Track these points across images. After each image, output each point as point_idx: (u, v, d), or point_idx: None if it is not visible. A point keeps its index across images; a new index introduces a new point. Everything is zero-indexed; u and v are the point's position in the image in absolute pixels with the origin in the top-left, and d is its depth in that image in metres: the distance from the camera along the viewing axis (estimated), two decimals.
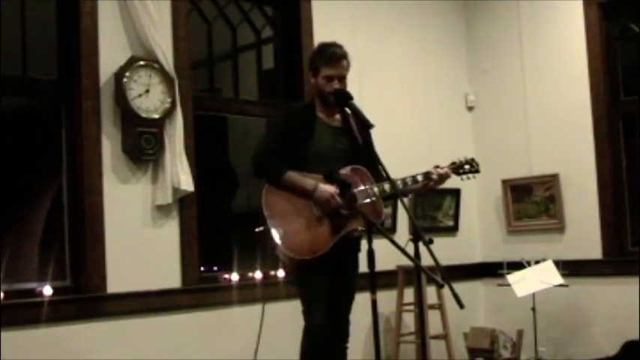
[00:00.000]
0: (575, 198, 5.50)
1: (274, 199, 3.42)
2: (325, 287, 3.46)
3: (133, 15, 4.11)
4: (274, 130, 3.70)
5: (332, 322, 3.47)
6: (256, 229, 3.41)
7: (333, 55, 3.59)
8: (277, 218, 3.39)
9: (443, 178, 3.71)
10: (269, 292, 4.50)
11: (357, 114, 3.48)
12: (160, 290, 4.14)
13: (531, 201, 5.72)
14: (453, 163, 3.81)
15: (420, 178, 3.65)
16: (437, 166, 3.73)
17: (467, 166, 3.82)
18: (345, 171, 3.53)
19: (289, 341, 3.67)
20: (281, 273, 4.59)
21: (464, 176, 3.84)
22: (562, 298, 5.32)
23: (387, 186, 3.49)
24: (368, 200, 3.50)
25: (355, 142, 3.61)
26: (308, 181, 3.45)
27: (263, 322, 3.65)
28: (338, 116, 3.68)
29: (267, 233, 3.37)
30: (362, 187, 3.51)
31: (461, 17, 6.17)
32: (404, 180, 3.59)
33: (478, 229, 6.08)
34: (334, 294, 3.50)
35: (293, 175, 3.44)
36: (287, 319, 3.90)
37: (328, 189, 3.42)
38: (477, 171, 3.84)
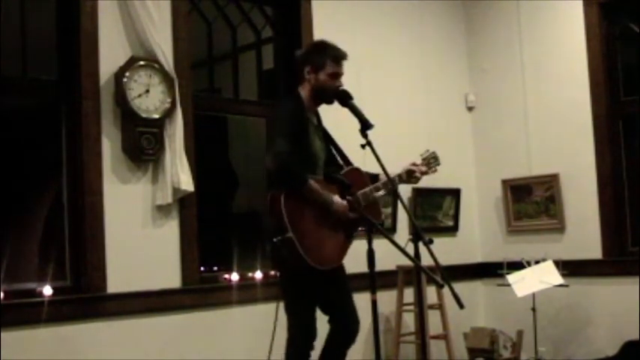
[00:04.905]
0: (575, 198, 5.49)
1: (293, 207, 3.35)
2: (316, 294, 3.53)
3: (133, 15, 4.11)
4: (285, 131, 3.47)
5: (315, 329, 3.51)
6: (275, 239, 3.32)
7: (342, 54, 3.63)
8: (300, 226, 3.34)
9: (422, 175, 3.83)
10: (269, 292, 4.50)
11: (358, 114, 3.49)
12: (160, 290, 4.14)
13: (531, 201, 5.71)
14: (425, 159, 3.89)
15: (404, 176, 3.76)
16: (414, 164, 3.82)
17: (432, 160, 3.92)
18: (343, 172, 3.55)
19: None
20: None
21: (430, 171, 3.91)
22: (562, 298, 5.32)
23: (380, 185, 3.62)
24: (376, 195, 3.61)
25: (327, 140, 3.72)
26: (326, 194, 3.43)
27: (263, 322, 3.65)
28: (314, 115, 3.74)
29: (288, 242, 3.30)
30: (364, 190, 3.56)
31: (461, 17, 6.17)
32: (392, 180, 3.57)
33: (478, 229, 6.08)
34: (331, 293, 3.58)
35: (313, 185, 3.41)
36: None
37: (344, 205, 3.43)
38: (439, 163, 3.96)
